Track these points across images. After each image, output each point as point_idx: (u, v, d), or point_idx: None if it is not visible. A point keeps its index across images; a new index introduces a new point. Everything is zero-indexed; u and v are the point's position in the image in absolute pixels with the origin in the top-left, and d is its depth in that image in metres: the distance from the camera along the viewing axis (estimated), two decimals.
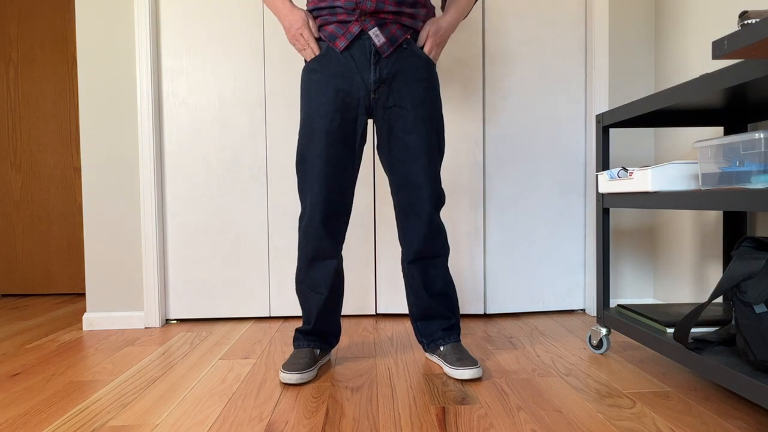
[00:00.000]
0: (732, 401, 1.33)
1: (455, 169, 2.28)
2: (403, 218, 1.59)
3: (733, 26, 1.80)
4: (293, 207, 2.29)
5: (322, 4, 1.47)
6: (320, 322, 1.62)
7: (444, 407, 1.32)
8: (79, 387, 1.52)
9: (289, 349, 1.85)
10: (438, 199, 1.57)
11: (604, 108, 2.26)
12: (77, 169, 3.11)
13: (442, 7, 1.69)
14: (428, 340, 1.66)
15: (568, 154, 2.32)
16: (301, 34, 1.47)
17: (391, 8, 1.44)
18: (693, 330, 1.42)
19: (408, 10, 1.48)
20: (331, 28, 1.46)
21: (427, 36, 1.52)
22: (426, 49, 1.53)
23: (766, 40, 0.82)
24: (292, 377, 1.49)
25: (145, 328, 2.22)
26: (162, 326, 2.24)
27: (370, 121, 2.25)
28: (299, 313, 2.32)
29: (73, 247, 3.12)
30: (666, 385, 1.45)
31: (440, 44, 1.54)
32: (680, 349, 1.28)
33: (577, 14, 2.30)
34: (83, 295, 3.11)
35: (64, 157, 3.10)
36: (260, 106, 2.27)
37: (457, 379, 1.52)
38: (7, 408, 1.37)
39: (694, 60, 2.02)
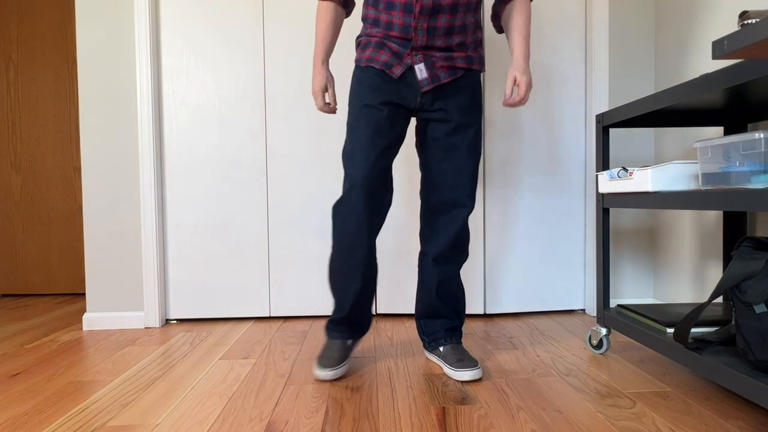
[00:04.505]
0: (732, 401, 1.33)
1: None
2: (432, 216, 1.63)
3: (733, 26, 1.80)
4: (293, 207, 2.29)
5: (375, 31, 1.55)
6: (354, 311, 1.62)
7: (444, 407, 1.32)
8: (79, 387, 1.52)
9: (289, 349, 1.85)
10: (473, 201, 1.61)
11: (604, 108, 2.26)
12: (77, 169, 3.11)
13: (493, 18, 1.67)
14: (429, 339, 1.67)
15: (568, 154, 2.32)
16: (316, 97, 1.62)
17: (440, 43, 1.52)
18: (693, 330, 1.42)
19: (456, 42, 1.53)
20: (384, 58, 1.53)
21: (519, 89, 1.54)
22: (518, 100, 1.54)
23: (766, 40, 0.82)
24: (327, 374, 1.53)
25: (145, 328, 2.22)
26: (162, 326, 2.24)
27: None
28: (299, 313, 2.32)
29: (73, 247, 3.12)
30: (666, 385, 1.45)
31: (530, 86, 1.55)
32: (680, 349, 1.28)
33: (577, 14, 2.30)
34: (83, 295, 3.11)
35: (64, 157, 3.10)
36: (260, 106, 2.27)
37: (457, 381, 1.52)
38: (7, 408, 1.37)
39: (694, 60, 2.02)
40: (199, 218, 2.28)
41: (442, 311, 1.65)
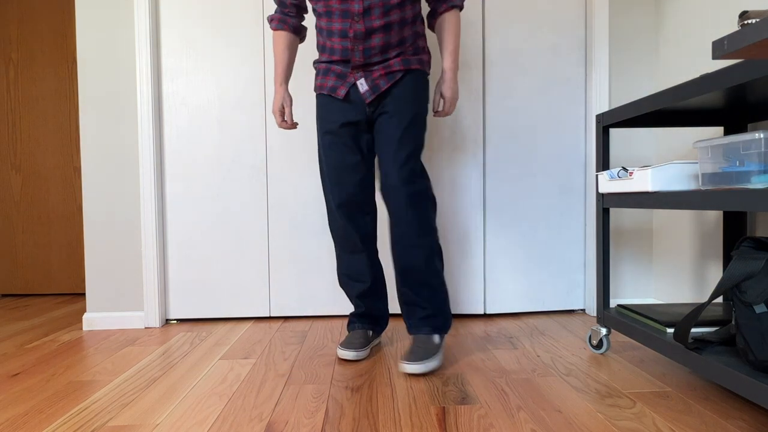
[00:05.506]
0: (732, 401, 1.33)
1: (456, 169, 2.28)
2: (386, 202, 1.67)
3: (732, 26, 1.80)
4: (293, 207, 2.29)
5: (323, 58, 1.70)
6: (367, 308, 1.81)
7: (444, 407, 1.32)
8: (79, 387, 1.52)
9: (289, 349, 1.86)
10: (412, 185, 1.62)
11: (604, 108, 2.26)
12: (77, 169, 3.11)
13: (429, 27, 1.78)
14: (408, 325, 1.72)
15: (568, 154, 2.32)
16: (275, 116, 1.76)
17: (377, 59, 1.63)
18: (693, 330, 1.42)
19: (393, 55, 1.63)
20: (330, 83, 1.68)
21: (444, 102, 1.70)
22: (442, 114, 1.72)
23: (766, 40, 0.82)
24: (349, 354, 1.70)
25: (145, 328, 2.22)
26: (162, 326, 2.24)
27: None
28: (299, 313, 2.32)
29: (73, 247, 3.12)
30: (666, 385, 1.45)
31: (455, 99, 1.71)
32: (680, 349, 1.28)
33: (577, 14, 2.30)
34: (83, 295, 3.11)
35: (64, 157, 3.10)
36: (260, 106, 2.27)
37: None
38: (7, 408, 1.37)
39: (694, 60, 2.02)
40: (199, 218, 2.28)
41: (416, 300, 1.66)
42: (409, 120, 1.63)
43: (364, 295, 1.79)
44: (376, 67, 1.64)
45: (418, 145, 1.65)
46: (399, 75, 1.64)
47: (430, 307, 1.66)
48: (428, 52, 1.72)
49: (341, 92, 1.66)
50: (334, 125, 1.68)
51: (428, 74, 1.72)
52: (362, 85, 1.64)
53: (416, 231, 1.62)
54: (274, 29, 1.75)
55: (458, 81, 2.25)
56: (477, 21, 2.25)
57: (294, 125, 1.77)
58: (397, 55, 1.64)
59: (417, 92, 1.66)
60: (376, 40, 1.60)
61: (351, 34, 1.59)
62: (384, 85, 1.63)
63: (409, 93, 1.65)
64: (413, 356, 1.57)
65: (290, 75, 1.80)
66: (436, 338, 1.66)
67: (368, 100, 1.64)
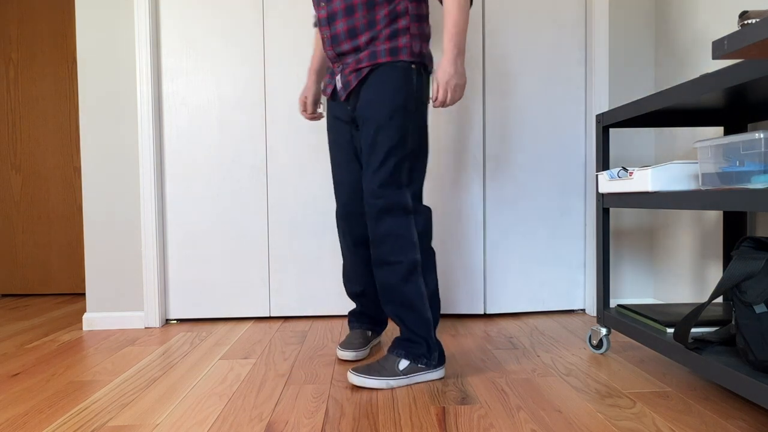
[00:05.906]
0: (732, 401, 1.33)
1: (456, 169, 2.28)
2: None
3: (733, 26, 1.80)
4: (293, 207, 2.29)
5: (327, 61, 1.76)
6: (365, 308, 1.80)
7: (444, 407, 1.32)
8: (79, 387, 1.52)
9: (289, 349, 1.86)
10: (381, 197, 1.48)
11: (604, 108, 2.26)
12: (77, 169, 3.11)
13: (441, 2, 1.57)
14: None
15: (568, 154, 2.32)
16: (299, 102, 1.82)
17: (347, 47, 1.53)
18: (693, 330, 1.42)
19: (363, 42, 1.50)
20: (325, 81, 1.67)
21: (438, 88, 1.46)
22: (437, 104, 1.48)
23: (766, 40, 0.82)
24: (348, 354, 1.69)
25: (145, 328, 2.22)
26: (162, 326, 2.24)
27: None
28: (299, 313, 2.32)
29: (73, 247, 3.12)
30: (666, 385, 1.45)
31: (455, 88, 1.46)
32: (680, 349, 1.28)
33: (577, 14, 2.30)
34: (83, 295, 3.11)
35: (64, 157, 3.10)
36: (260, 106, 2.27)
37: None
38: (7, 408, 1.37)
39: (694, 60, 2.02)
40: (199, 218, 2.28)
41: (394, 320, 1.55)
42: (376, 125, 1.48)
43: (358, 296, 1.79)
44: (350, 60, 1.54)
45: (394, 148, 1.47)
46: (366, 71, 1.50)
47: (408, 330, 1.51)
48: (413, 33, 1.50)
49: (328, 91, 1.65)
50: (329, 123, 1.70)
51: (408, 61, 1.50)
52: (338, 82, 1.57)
53: (389, 247, 1.48)
54: (314, 26, 1.81)
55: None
56: (477, 21, 2.25)
57: (315, 116, 1.81)
58: (368, 42, 1.49)
59: (387, 90, 1.48)
60: (340, 26, 1.50)
61: (320, 22, 1.55)
62: (354, 81, 1.52)
63: (377, 94, 1.48)
64: (361, 367, 1.47)
65: (322, 69, 1.82)
66: (403, 364, 1.48)
67: (342, 98, 1.56)
